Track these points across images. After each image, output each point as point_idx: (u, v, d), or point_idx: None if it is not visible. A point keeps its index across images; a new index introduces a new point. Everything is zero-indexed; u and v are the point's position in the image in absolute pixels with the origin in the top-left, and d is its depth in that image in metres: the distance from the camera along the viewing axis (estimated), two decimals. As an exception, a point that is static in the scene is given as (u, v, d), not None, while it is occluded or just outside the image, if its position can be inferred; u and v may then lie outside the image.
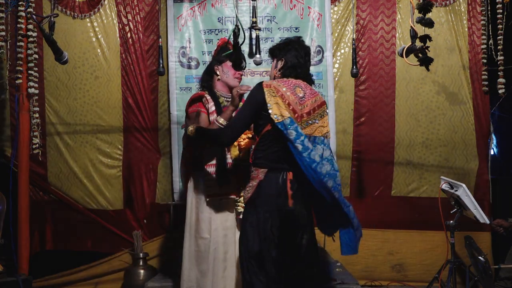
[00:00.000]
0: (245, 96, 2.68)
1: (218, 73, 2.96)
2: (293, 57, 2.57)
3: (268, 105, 2.41)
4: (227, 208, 2.88)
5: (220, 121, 2.67)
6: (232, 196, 2.87)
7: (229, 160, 2.85)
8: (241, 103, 2.77)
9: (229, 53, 2.89)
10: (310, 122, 2.50)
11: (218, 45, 3.11)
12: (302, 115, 2.48)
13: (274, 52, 2.67)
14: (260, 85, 2.48)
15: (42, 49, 3.95)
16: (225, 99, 2.95)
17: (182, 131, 4.02)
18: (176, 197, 4.06)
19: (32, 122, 3.66)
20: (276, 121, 2.40)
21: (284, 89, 2.47)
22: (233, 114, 2.70)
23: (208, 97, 2.87)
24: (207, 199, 2.83)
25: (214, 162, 2.83)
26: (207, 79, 3.00)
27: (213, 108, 2.84)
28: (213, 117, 2.82)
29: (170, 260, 3.95)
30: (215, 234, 2.84)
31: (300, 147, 2.38)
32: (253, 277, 2.46)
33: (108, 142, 4.13)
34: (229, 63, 2.90)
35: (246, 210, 2.57)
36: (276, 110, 2.41)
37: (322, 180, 2.39)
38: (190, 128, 2.59)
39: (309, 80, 2.64)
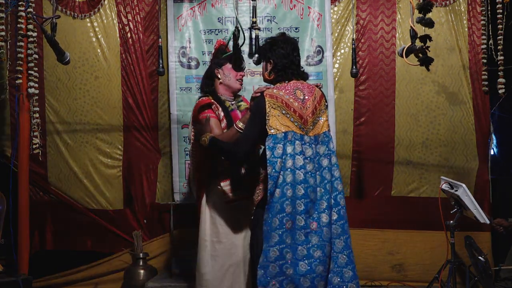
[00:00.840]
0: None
1: (219, 76, 2.91)
2: (281, 58, 2.54)
3: (267, 115, 2.43)
4: (244, 211, 2.83)
5: (240, 125, 2.59)
6: (247, 199, 2.80)
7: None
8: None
9: (229, 54, 2.88)
10: (315, 121, 2.53)
11: (215, 48, 3.07)
12: (306, 119, 2.50)
13: (261, 54, 2.65)
14: (262, 95, 2.48)
15: (42, 49, 3.95)
16: (230, 102, 2.92)
17: (182, 131, 4.03)
18: (176, 197, 4.06)
19: (32, 122, 3.67)
20: (269, 133, 2.42)
21: (287, 97, 2.48)
22: None
23: (216, 105, 2.83)
24: (225, 204, 2.78)
25: (229, 169, 2.80)
26: (209, 84, 2.95)
27: (222, 114, 2.80)
28: (223, 123, 2.79)
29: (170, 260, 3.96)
30: (234, 238, 2.79)
31: (281, 164, 2.38)
32: None
33: (108, 142, 4.13)
34: (229, 66, 2.87)
35: (257, 212, 2.56)
36: (273, 122, 2.42)
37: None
38: (203, 138, 2.59)
39: (302, 76, 2.62)
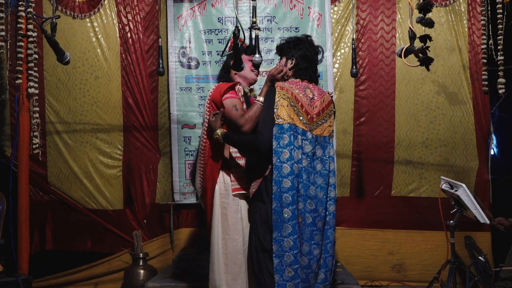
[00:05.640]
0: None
1: None
2: (304, 59, 2.63)
3: (276, 104, 2.48)
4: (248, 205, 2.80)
5: (260, 100, 2.61)
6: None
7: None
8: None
9: (229, 54, 2.88)
10: (319, 122, 2.59)
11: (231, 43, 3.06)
12: (312, 116, 2.56)
13: (284, 50, 2.69)
14: (273, 86, 2.55)
15: (42, 49, 3.95)
16: (248, 90, 2.94)
17: (182, 131, 4.03)
18: (176, 197, 4.06)
19: (32, 122, 3.67)
20: (276, 122, 2.47)
21: (296, 91, 2.55)
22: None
23: (240, 87, 2.82)
24: (233, 193, 2.75)
25: (240, 155, 2.78)
26: (224, 76, 2.96)
27: (243, 99, 2.80)
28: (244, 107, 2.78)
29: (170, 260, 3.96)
30: (246, 234, 2.75)
31: (287, 154, 2.44)
32: (263, 268, 2.49)
33: (108, 142, 4.13)
34: (245, 57, 2.88)
35: (254, 204, 2.59)
36: (280, 112, 2.47)
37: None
38: (216, 136, 2.60)
39: (316, 80, 2.71)
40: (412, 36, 2.57)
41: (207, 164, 2.81)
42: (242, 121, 2.59)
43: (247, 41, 3.09)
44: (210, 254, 2.79)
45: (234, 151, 2.79)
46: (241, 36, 2.66)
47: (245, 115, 2.61)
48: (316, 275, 2.53)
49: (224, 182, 2.78)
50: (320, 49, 4.02)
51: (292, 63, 2.64)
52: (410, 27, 2.59)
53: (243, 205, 2.79)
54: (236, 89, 2.80)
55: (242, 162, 2.80)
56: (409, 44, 2.62)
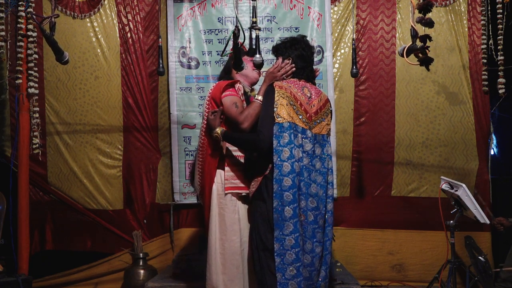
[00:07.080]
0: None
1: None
2: (301, 59, 2.64)
3: (275, 103, 2.49)
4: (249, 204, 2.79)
5: (259, 98, 2.62)
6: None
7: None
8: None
9: (230, 53, 2.88)
10: (318, 121, 2.61)
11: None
12: (311, 115, 2.58)
13: (280, 51, 2.71)
14: (272, 85, 2.56)
15: (42, 49, 3.95)
16: (249, 90, 2.94)
17: (182, 131, 4.03)
18: (176, 197, 4.06)
19: (32, 122, 3.67)
20: (276, 121, 2.48)
21: (295, 90, 2.56)
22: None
23: (240, 85, 2.81)
24: (226, 192, 2.73)
25: (240, 153, 2.78)
26: (225, 76, 2.95)
27: (243, 97, 2.80)
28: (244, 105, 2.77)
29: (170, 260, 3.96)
30: (243, 234, 2.75)
31: (287, 153, 2.44)
32: (265, 267, 2.49)
33: (108, 142, 4.13)
34: (246, 57, 2.88)
35: (255, 203, 2.59)
36: (280, 111, 2.48)
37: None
38: (215, 134, 2.60)
39: (312, 80, 2.71)
40: (414, 34, 2.58)
41: (205, 162, 2.80)
42: (241, 118, 2.59)
43: (247, 41, 3.08)
44: (207, 254, 2.78)
45: (233, 149, 2.79)
46: (241, 36, 2.66)
47: (244, 112, 2.61)
48: (318, 273, 2.55)
49: (222, 182, 2.77)
50: (320, 49, 4.02)
51: (289, 63, 2.65)
52: (412, 25, 2.60)
53: (241, 205, 2.78)
54: (236, 87, 2.79)
55: (241, 160, 2.79)
56: (411, 43, 2.62)
